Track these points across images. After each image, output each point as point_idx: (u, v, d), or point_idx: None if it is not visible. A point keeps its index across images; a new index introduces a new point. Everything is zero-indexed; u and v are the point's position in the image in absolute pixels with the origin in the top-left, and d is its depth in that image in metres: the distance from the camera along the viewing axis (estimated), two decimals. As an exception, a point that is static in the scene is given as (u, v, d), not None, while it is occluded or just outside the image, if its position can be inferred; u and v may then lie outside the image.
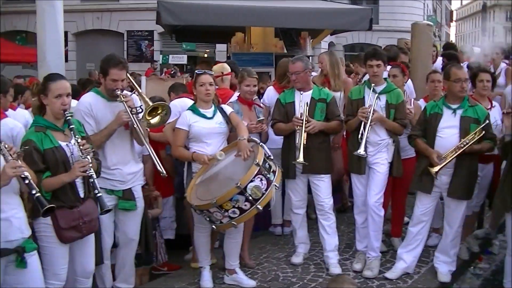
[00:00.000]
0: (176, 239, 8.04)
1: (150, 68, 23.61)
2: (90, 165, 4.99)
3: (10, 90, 6.97)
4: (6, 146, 4.38)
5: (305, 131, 6.86)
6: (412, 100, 7.86)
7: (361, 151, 6.74)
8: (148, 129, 6.29)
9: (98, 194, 5.03)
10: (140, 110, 5.94)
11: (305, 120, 6.89)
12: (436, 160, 6.45)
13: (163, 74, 21.34)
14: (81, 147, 5.00)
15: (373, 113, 6.78)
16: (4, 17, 29.74)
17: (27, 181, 4.35)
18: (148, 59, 28.82)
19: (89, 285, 5.67)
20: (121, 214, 6.16)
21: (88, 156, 5.00)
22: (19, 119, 6.94)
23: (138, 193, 6.25)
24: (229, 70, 8.54)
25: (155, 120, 6.20)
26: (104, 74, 5.89)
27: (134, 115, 5.82)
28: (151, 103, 6.13)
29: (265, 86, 9.15)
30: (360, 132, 6.81)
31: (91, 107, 5.89)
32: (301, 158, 6.78)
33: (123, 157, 6.09)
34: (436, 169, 6.43)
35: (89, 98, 6.04)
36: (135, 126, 5.84)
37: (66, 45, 14.89)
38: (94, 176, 5.03)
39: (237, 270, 6.92)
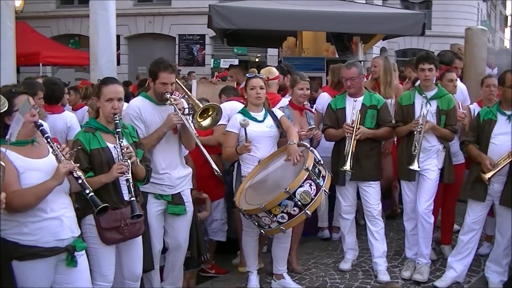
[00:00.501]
0: (224, 243, 8.04)
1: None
2: (128, 168, 4.99)
3: (39, 93, 7.08)
4: (59, 146, 4.44)
5: (354, 139, 6.83)
6: (461, 103, 7.71)
7: (415, 167, 6.70)
8: (196, 133, 6.28)
9: (131, 198, 5.03)
10: (190, 112, 5.97)
11: (356, 128, 6.86)
12: (489, 167, 6.33)
13: (214, 77, 21.44)
14: (123, 150, 5.04)
15: (425, 123, 6.71)
16: (59, 21, 30.25)
17: (80, 181, 4.40)
18: (199, 63, 28.97)
19: (137, 287, 5.72)
20: (170, 219, 6.18)
21: (129, 160, 5.01)
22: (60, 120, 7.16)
23: (187, 198, 6.27)
24: (276, 75, 8.51)
25: (206, 122, 6.22)
26: (154, 78, 5.93)
27: (185, 116, 5.85)
28: (201, 105, 6.15)
29: (315, 94, 9.11)
30: (413, 144, 6.75)
31: (140, 111, 5.94)
32: (347, 166, 6.75)
33: (172, 161, 6.12)
34: (488, 175, 6.30)
35: (138, 102, 6.10)
36: (187, 126, 5.87)
37: (118, 48, 15.11)
38: (131, 180, 5.02)
39: (284, 275, 6.90)
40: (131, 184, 5.01)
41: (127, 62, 29.66)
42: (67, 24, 30.32)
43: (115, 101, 5.18)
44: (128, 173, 5.00)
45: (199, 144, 5.97)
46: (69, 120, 7.69)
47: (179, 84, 6.55)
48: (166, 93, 5.85)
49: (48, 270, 4.49)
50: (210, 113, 6.23)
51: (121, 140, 5.10)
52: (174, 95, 6.10)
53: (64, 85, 8.85)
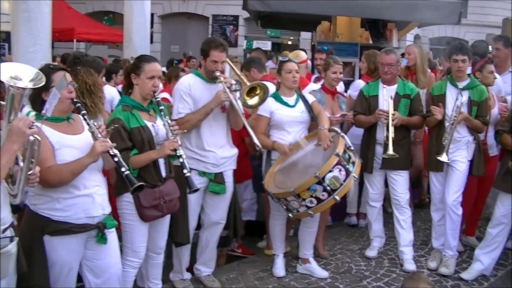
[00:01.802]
0: (251, 225, 8.07)
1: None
2: (180, 145, 5.09)
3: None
4: (95, 124, 4.48)
5: (392, 125, 6.76)
6: (495, 95, 7.63)
7: (443, 158, 6.66)
8: (243, 112, 6.28)
9: (187, 174, 5.14)
10: (237, 89, 6.01)
11: (392, 114, 6.81)
12: None
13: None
14: (171, 127, 5.13)
15: (459, 114, 6.65)
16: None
17: (116, 159, 4.43)
18: (232, 44, 28.90)
19: (161, 260, 5.78)
20: (209, 197, 6.22)
21: (177, 137, 5.10)
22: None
23: (229, 178, 6.30)
24: (304, 58, 8.50)
25: (253, 100, 6.24)
26: (205, 56, 6.00)
27: (233, 93, 5.90)
28: (248, 84, 6.16)
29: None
30: (444, 135, 6.71)
31: (189, 87, 6.00)
32: (390, 151, 6.67)
33: (218, 140, 6.16)
34: None
35: (189, 78, 6.18)
36: (233, 103, 5.91)
37: (151, 27, 15.16)
38: (184, 156, 5.13)
39: (310, 260, 6.94)
40: (185, 159, 5.11)
41: (160, 41, 29.72)
42: (102, 1, 30.44)
43: (156, 79, 5.24)
44: (180, 150, 5.09)
45: (245, 123, 6.04)
46: (108, 93, 7.77)
47: (229, 63, 6.58)
48: (216, 71, 5.91)
49: (78, 246, 4.56)
50: (257, 92, 6.24)
51: (166, 117, 5.20)
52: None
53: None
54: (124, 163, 4.48)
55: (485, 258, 6.81)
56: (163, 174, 5.34)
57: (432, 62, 10.93)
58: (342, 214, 8.76)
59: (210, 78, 6.02)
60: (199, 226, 6.44)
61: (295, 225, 7.52)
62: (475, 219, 7.95)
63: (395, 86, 7.07)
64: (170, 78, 8.88)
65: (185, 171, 5.14)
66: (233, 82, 6.04)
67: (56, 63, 5.57)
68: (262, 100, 6.28)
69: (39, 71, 3.79)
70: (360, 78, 9.11)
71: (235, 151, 6.37)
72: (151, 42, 16.15)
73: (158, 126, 5.26)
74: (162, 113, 5.22)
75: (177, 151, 5.07)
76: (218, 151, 6.11)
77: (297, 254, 7.07)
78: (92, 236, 4.61)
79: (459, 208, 6.94)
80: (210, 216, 6.33)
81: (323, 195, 5.89)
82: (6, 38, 20.28)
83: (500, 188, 6.69)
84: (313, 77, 9.35)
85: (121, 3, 15.76)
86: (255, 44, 25.54)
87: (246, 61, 8.75)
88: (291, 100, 6.68)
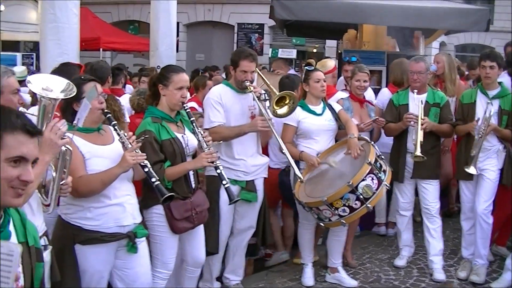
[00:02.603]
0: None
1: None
2: (218, 157, 5.12)
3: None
4: (126, 134, 4.50)
5: (421, 129, 6.70)
6: None
7: (471, 170, 6.63)
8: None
9: (226, 185, 5.20)
10: (267, 98, 6.06)
11: (421, 118, 6.75)
12: None
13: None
14: (204, 138, 5.14)
15: (487, 126, 6.58)
16: (119, 7, 30.56)
17: (146, 169, 4.47)
18: (258, 52, 28.88)
19: (198, 273, 5.79)
20: (240, 205, 6.18)
21: (211, 148, 5.12)
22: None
23: (260, 186, 6.31)
24: (332, 67, 8.48)
25: (283, 110, 6.22)
26: (235, 66, 6.04)
27: (262, 102, 5.95)
28: (277, 93, 6.17)
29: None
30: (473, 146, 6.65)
31: (220, 96, 6.05)
32: (418, 152, 6.61)
33: (248, 148, 6.18)
34: None
35: (219, 88, 6.23)
36: (263, 112, 5.93)
37: (177, 35, 15.21)
38: (221, 167, 5.17)
39: (339, 269, 6.92)
40: (222, 170, 5.17)
41: (185, 49, 29.83)
42: (127, 10, 30.65)
43: (184, 89, 5.25)
44: (218, 161, 5.14)
45: (276, 135, 6.07)
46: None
47: (258, 73, 6.61)
48: (246, 81, 5.94)
49: (108, 255, 4.58)
50: (287, 101, 6.24)
51: (199, 129, 5.22)
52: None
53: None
54: (154, 174, 4.51)
55: (517, 268, 6.73)
56: (193, 185, 5.35)
57: (461, 69, 10.84)
58: (369, 223, 8.70)
59: (240, 88, 6.05)
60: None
61: (324, 234, 7.49)
62: (507, 229, 7.84)
63: (425, 94, 7.02)
64: (198, 87, 8.90)
65: (224, 182, 5.19)
66: (263, 91, 6.07)
67: (87, 75, 5.59)
68: (291, 110, 6.26)
69: (70, 82, 3.82)
70: (386, 86, 9.08)
71: (265, 159, 6.41)
72: (177, 51, 16.20)
73: (187, 137, 5.27)
74: (194, 124, 5.22)
75: (215, 162, 5.10)
76: (248, 159, 6.14)
77: (326, 263, 7.05)
78: (123, 245, 4.63)
79: (490, 217, 6.87)
80: (240, 224, 6.35)
81: (356, 203, 5.88)
82: (34, 48, 20.46)
83: None
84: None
85: (146, 12, 15.87)
86: (281, 53, 25.53)
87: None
88: (318, 108, 6.67)
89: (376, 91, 8.80)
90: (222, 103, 6.01)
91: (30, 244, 2.70)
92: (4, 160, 2.38)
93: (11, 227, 2.59)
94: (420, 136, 6.67)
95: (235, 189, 6.02)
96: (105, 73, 7.45)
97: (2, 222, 2.52)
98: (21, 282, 2.59)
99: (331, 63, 8.71)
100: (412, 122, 6.81)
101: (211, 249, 6.06)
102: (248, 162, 6.13)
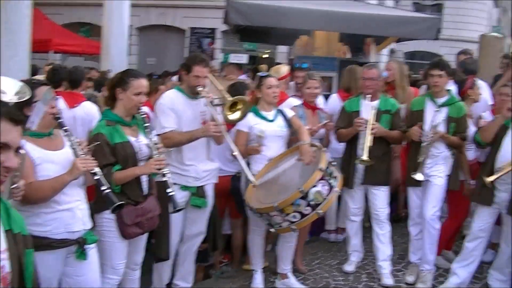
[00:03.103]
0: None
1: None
2: (165, 164, 5.10)
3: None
4: (77, 140, 4.46)
5: (370, 134, 6.80)
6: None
7: (418, 176, 6.77)
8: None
9: (171, 193, 5.14)
10: (219, 104, 6.06)
11: (372, 123, 6.85)
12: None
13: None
14: (156, 145, 5.13)
15: (435, 133, 6.73)
16: (70, 9, 30.13)
17: (97, 177, 4.41)
18: (209, 57, 28.83)
19: (137, 276, 5.71)
20: (190, 211, 6.19)
21: (162, 155, 5.10)
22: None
23: (210, 192, 6.31)
24: (284, 74, 8.53)
25: (235, 115, 6.22)
26: (188, 71, 6.01)
27: (214, 107, 5.95)
28: (230, 99, 6.18)
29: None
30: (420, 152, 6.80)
31: (172, 102, 6.03)
32: (365, 157, 6.71)
33: (199, 154, 6.15)
34: (490, 179, 6.28)
35: (171, 94, 6.19)
36: (215, 117, 5.91)
37: (129, 38, 15.11)
38: (169, 174, 5.13)
39: (289, 275, 6.93)
40: (169, 178, 5.12)
41: (137, 53, 29.59)
42: (79, 11, 30.27)
43: (142, 94, 5.21)
44: (166, 168, 5.11)
45: (229, 140, 6.10)
46: (87, 111, 7.67)
47: (210, 78, 6.61)
48: (199, 86, 5.93)
49: (57, 262, 4.51)
50: (238, 107, 6.25)
51: (151, 135, 5.20)
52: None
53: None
54: (105, 181, 4.46)
55: (462, 272, 6.84)
56: (145, 190, 5.31)
57: (411, 77, 10.99)
58: (319, 229, 8.75)
59: (192, 93, 6.04)
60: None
61: (273, 240, 7.51)
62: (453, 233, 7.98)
63: (377, 101, 7.12)
64: (150, 92, 8.85)
65: (169, 190, 5.14)
66: (215, 97, 6.06)
67: (39, 78, 5.51)
68: (244, 115, 6.28)
69: (24, 84, 3.78)
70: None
71: (216, 165, 6.37)
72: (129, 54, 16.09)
73: (141, 142, 5.22)
74: (147, 130, 5.21)
75: (162, 169, 5.08)
76: (199, 164, 6.12)
77: (275, 269, 7.06)
78: (72, 252, 4.56)
79: (438, 222, 7.00)
80: (190, 230, 6.32)
81: (306, 209, 5.86)
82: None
83: (477, 201, 6.75)
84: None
85: (99, 14, 15.69)
86: (232, 57, 25.44)
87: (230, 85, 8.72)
88: (270, 114, 6.69)
89: (327, 97, 8.87)
90: (174, 109, 5.99)
91: (15, 231, 2.71)
92: None
93: None
94: (369, 141, 6.76)
95: (185, 194, 6.04)
96: (81, 76, 7.37)
97: None
98: (7, 268, 2.61)
99: (285, 69, 8.73)
100: (362, 127, 6.90)
101: (162, 256, 6.03)
102: (199, 168, 6.12)
